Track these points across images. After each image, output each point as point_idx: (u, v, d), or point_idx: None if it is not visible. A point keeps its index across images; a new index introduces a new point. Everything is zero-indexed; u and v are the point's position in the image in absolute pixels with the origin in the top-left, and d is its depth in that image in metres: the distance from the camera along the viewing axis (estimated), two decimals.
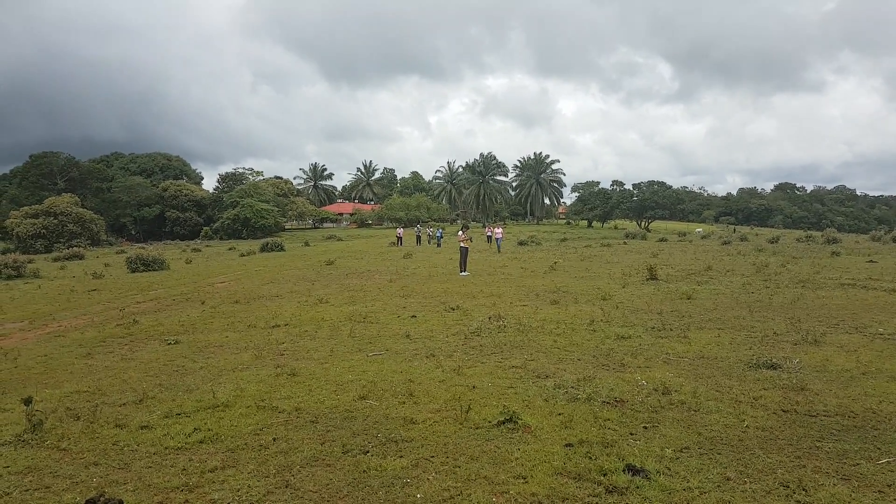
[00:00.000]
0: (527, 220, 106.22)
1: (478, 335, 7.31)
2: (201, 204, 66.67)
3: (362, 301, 10.75)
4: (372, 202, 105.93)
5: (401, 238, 34.05)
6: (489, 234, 26.08)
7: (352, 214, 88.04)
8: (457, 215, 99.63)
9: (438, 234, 34.86)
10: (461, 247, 15.96)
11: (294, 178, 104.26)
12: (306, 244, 39.77)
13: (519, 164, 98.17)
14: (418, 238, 36.47)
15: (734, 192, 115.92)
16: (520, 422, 4.19)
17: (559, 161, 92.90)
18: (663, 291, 11.03)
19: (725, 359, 5.96)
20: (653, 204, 67.41)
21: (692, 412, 4.45)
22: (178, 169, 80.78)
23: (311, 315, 9.24)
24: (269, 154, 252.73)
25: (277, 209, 64.45)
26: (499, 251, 24.51)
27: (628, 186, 79.60)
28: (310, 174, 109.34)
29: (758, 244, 27.88)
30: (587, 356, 6.17)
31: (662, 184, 74.64)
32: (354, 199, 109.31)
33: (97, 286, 15.02)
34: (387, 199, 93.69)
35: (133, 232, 65.26)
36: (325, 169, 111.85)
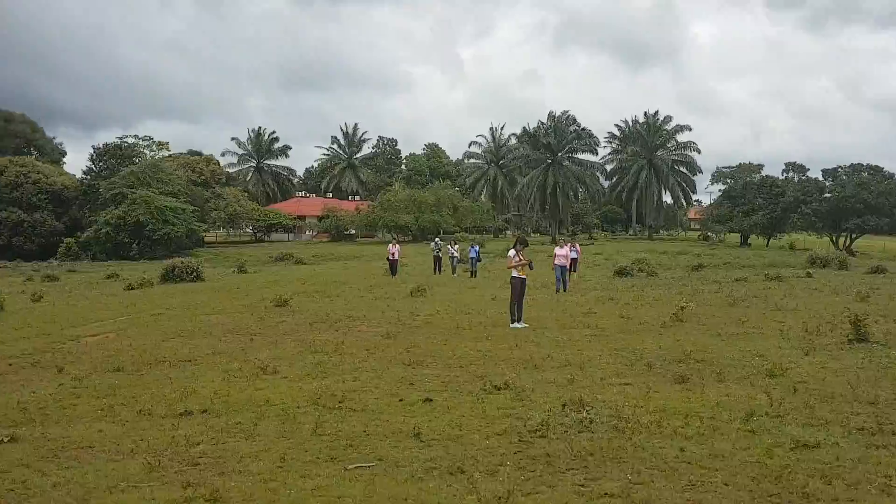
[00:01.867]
0: (630, 232, 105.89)
1: (543, 436, 7.26)
2: (62, 198, 68.55)
3: (337, 371, 10.78)
4: (357, 197, 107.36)
5: (395, 261, 34.14)
6: (566, 254, 25.54)
7: (321, 218, 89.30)
8: (505, 221, 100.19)
9: (472, 255, 35.00)
10: (513, 277, 15.93)
11: (223, 155, 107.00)
12: (241, 269, 40.34)
13: (618, 134, 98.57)
14: (437, 260, 36.65)
15: None
16: None
17: (690, 128, 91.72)
18: (879, 363, 10.82)
19: None
20: (859, 205, 66.25)
21: None
22: (21, 137, 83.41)
23: (248, 395, 9.31)
24: (183, 112, 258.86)
25: (193, 208, 65.80)
26: (563, 289, 24.20)
27: (815, 174, 78.88)
28: (250, 147, 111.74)
29: None
30: (742, 480, 6.07)
31: (877, 170, 73.55)
32: (326, 192, 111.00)
33: None
34: (383, 191, 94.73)
35: None
36: (277, 138, 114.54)
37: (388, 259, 34.49)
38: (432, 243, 38.58)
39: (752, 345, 12.63)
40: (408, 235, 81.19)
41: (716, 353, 11.79)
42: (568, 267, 25.50)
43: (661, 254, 53.60)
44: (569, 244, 28.44)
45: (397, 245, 35.25)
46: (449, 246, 36.83)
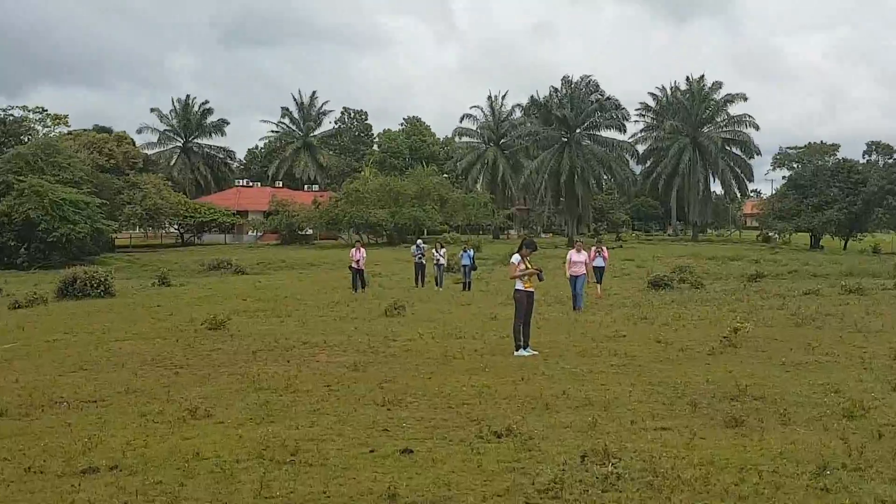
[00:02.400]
0: (670, 232, 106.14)
1: (556, 497, 7.26)
2: None
3: (288, 414, 10.76)
4: (315, 186, 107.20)
5: (360, 271, 33.85)
6: (585, 260, 25.39)
7: (268, 214, 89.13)
8: (508, 218, 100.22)
9: (465, 262, 34.96)
10: (518, 291, 15.92)
11: (139, 132, 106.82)
12: (163, 281, 40.18)
13: (653, 104, 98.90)
14: (420, 269, 36.59)
15: None
16: None
17: (745, 97, 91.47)
18: None
19: None
20: None
21: None
22: None
23: (172, 445, 9.26)
24: (86, 76, 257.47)
25: (100, 201, 65.44)
26: (576, 306, 24.21)
27: None
28: (175, 122, 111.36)
29: None
30: None
31: None
32: (275, 180, 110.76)
33: None
34: (349, 178, 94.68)
35: None
36: (211, 110, 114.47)
37: (350, 268, 34.15)
38: (413, 247, 38.41)
39: (826, 377, 12.65)
40: (381, 236, 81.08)
41: (778, 388, 11.80)
42: (587, 277, 25.30)
43: (709, 259, 53.71)
44: (593, 248, 28.41)
45: (362, 249, 34.81)
46: (434, 250, 36.71)
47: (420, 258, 36.64)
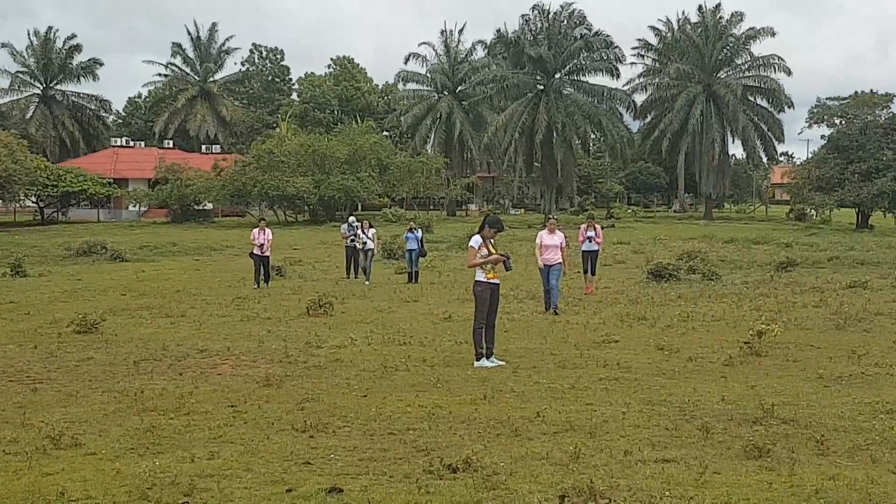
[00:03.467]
0: (676, 207, 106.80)
1: None
2: None
3: (181, 443, 10.71)
4: (217, 147, 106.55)
5: (265, 258, 33.47)
6: (560, 244, 25.00)
7: (155, 184, 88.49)
8: (467, 189, 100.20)
9: (412, 246, 34.92)
10: (479, 283, 15.93)
11: None
12: (16, 271, 39.83)
13: (655, 42, 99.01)
14: (352, 253, 36.54)
15: None
16: None
17: (773, 32, 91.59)
18: None
19: None
20: None
21: None
22: None
23: (29, 483, 9.17)
24: None
25: None
26: (551, 308, 23.72)
27: None
28: (32, 62, 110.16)
29: None
30: None
31: None
32: (164, 139, 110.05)
33: None
34: (261, 137, 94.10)
35: None
36: (79, 47, 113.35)
37: (252, 255, 33.73)
38: (344, 226, 38.28)
39: (874, 394, 12.74)
40: (303, 212, 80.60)
41: (814, 409, 11.87)
42: (564, 266, 24.70)
43: (727, 243, 53.99)
44: (582, 226, 28.45)
45: (267, 230, 34.14)
46: (361, 231, 36.29)
47: (353, 240, 36.57)
